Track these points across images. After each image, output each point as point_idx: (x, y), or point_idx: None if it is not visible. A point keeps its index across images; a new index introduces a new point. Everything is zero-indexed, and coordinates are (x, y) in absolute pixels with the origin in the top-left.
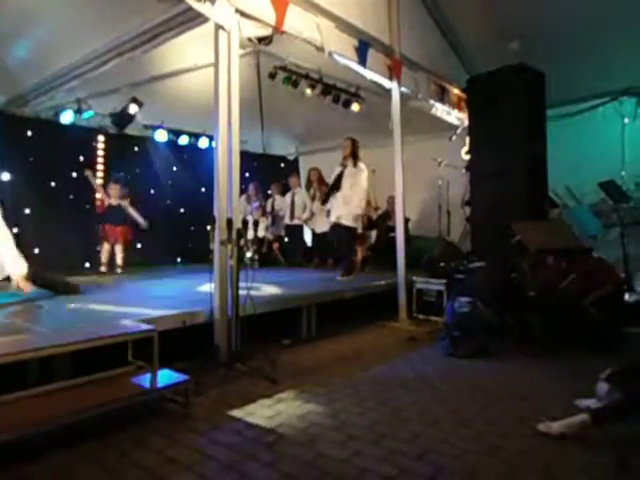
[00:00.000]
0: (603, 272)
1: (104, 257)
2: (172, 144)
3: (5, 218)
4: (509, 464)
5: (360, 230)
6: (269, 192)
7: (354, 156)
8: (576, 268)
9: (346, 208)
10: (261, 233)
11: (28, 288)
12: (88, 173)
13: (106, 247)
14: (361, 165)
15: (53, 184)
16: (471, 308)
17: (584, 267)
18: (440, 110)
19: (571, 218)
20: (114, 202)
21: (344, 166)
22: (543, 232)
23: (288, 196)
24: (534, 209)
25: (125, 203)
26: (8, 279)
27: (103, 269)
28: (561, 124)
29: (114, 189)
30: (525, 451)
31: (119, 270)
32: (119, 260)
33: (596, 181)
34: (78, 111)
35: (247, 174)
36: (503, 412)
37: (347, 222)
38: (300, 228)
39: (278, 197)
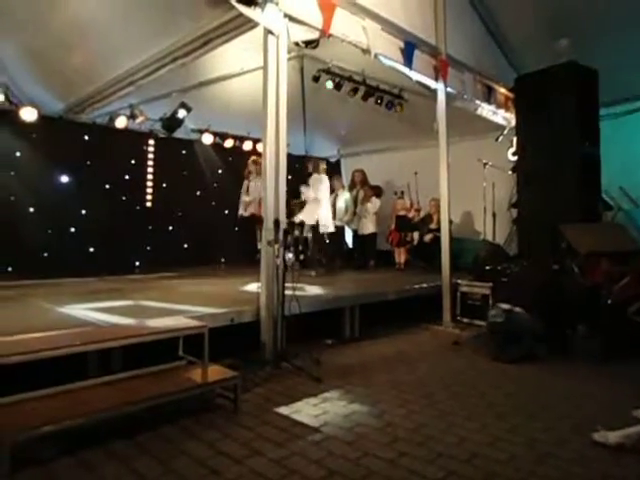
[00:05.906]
0: None
1: None
2: (218, 147)
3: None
4: (562, 471)
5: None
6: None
7: None
8: (631, 273)
9: None
10: (305, 234)
11: None
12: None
13: None
14: None
15: (107, 186)
16: (505, 318)
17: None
18: (486, 110)
19: (627, 221)
20: None
21: None
22: (595, 235)
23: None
24: (586, 211)
25: None
26: None
27: None
28: (615, 123)
29: None
30: (579, 460)
31: None
32: None
33: None
34: (131, 116)
35: (290, 176)
36: (554, 419)
37: None
38: (341, 230)
39: None
